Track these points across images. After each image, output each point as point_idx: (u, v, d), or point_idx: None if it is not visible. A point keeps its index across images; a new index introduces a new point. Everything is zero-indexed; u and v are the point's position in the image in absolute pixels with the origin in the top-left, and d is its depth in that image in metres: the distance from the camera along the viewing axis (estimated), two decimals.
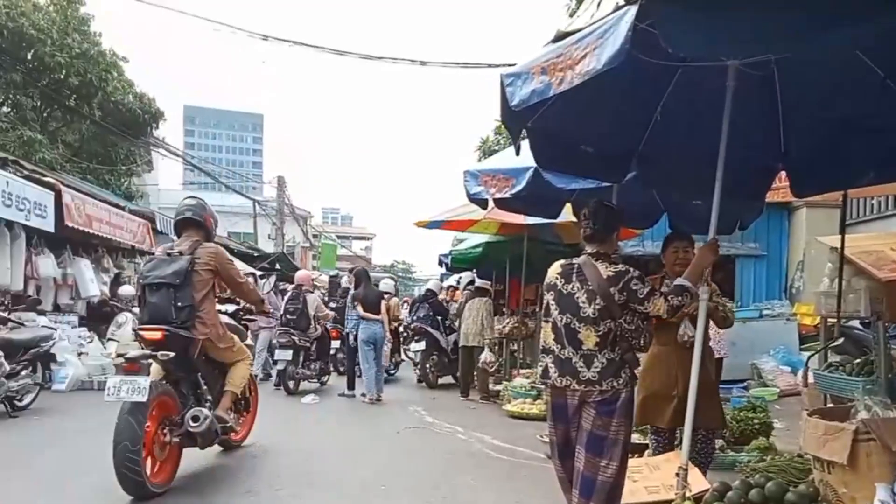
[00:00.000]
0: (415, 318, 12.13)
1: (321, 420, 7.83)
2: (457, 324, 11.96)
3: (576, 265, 3.58)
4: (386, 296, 14.07)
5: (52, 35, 14.76)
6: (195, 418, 4.65)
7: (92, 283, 11.97)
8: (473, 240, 12.49)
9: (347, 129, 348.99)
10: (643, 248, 10.85)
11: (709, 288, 3.85)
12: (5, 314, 8.42)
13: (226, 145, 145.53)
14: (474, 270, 15.90)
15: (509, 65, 3.32)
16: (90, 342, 10.61)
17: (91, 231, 11.58)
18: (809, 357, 6.95)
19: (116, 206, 13.38)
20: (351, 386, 9.88)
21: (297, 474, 5.19)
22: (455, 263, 13.63)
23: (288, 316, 10.19)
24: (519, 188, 5.07)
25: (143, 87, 18.73)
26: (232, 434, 5.43)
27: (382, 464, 5.62)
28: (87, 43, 15.67)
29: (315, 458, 5.81)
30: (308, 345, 10.40)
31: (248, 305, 6.37)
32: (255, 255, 22.34)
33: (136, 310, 11.90)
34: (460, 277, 13.56)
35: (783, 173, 4.87)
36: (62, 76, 15.17)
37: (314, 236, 46.11)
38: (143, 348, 4.77)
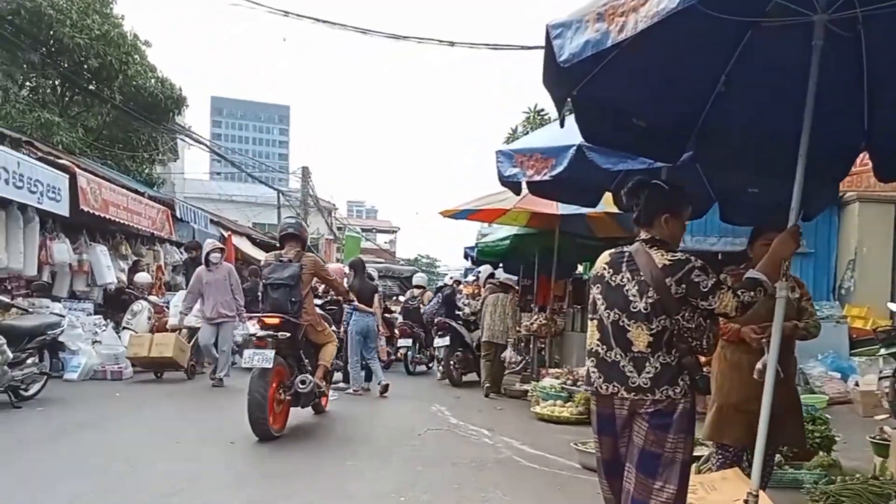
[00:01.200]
0: (432, 310, 11.75)
1: (336, 419, 7.37)
2: (479, 319, 11.58)
3: (626, 253, 3.07)
4: (417, 291, 13.76)
5: (71, 16, 14.45)
6: (303, 381, 6.21)
7: (108, 269, 11.67)
8: (501, 232, 11.96)
9: (373, 119, 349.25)
10: (682, 244, 10.21)
11: (787, 283, 3.28)
12: (8, 300, 8.07)
13: (252, 136, 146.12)
14: (501, 265, 15.42)
15: (543, 47, 2.82)
16: (104, 330, 10.27)
17: (108, 216, 11.26)
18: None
19: (135, 191, 13.08)
20: (346, 379, 9.69)
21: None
22: (481, 257, 13.09)
23: (328, 308, 10.02)
24: (559, 169, 4.54)
25: (167, 73, 18.46)
26: (322, 399, 7.05)
27: (401, 472, 5.13)
28: (108, 24, 15.35)
29: (322, 462, 5.37)
30: (341, 338, 10.24)
31: (334, 297, 8.42)
32: (278, 245, 22.03)
33: (154, 298, 11.74)
34: (479, 271, 13.09)
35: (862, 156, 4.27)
36: (82, 58, 14.89)
37: (338, 229, 45.84)
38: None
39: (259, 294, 8.95)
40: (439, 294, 11.97)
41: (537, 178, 4.74)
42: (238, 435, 6.02)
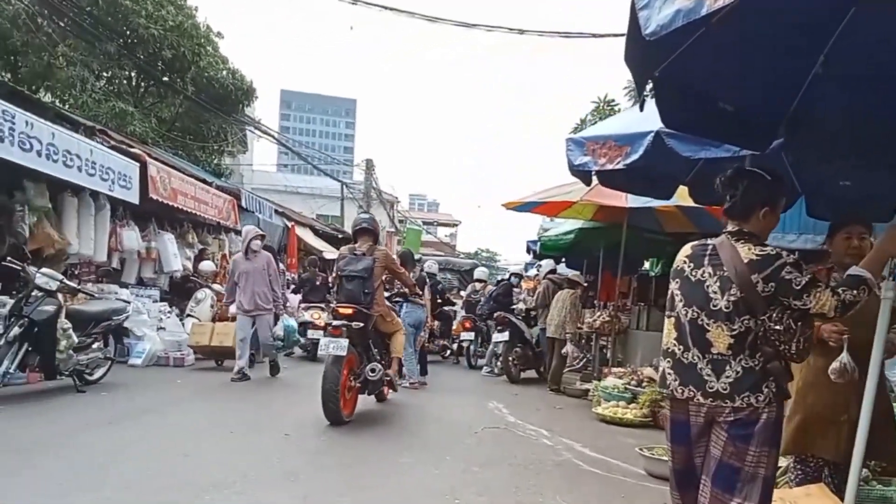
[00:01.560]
0: (486, 306, 11.58)
1: (395, 410, 7.24)
2: (539, 314, 11.35)
3: (710, 246, 2.81)
4: (479, 284, 13.60)
5: (146, 6, 14.80)
6: (372, 370, 6.48)
7: (175, 257, 11.89)
8: (565, 226, 11.61)
9: (437, 112, 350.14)
10: None
11: (894, 283, 2.93)
12: (75, 285, 8.27)
13: (320, 129, 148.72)
14: (563, 259, 15.05)
15: (617, 35, 2.55)
16: (168, 317, 10.47)
17: (176, 205, 11.46)
18: None
19: (203, 181, 13.31)
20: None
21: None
22: (544, 251, 12.76)
23: (395, 299, 10.06)
24: (635, 157, 4.23)
25: (238, 65, 18.78)
26: (385, 388, 7.17)
27: (457, 471, 4.94)
28: (182, 16, 15.66)
29: (377, 457, 5.23)
30: None
31: (402, 289, 8.27)
32: (340, 236, 22.19)
33: (217, 286, 11.90)
34: (540, 265, 12.80)
35: None
36: (156, 49, 15.24)
37: (400, 221, 46.07)
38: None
39: (330, 285, 10.66)
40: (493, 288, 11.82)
41: (610, 166, 4.44)
42: (293, 426, 5.96)
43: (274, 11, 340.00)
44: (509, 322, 10.52)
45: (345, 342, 6.06)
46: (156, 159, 11.52)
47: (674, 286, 2.86)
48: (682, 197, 8.12)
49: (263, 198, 18.80)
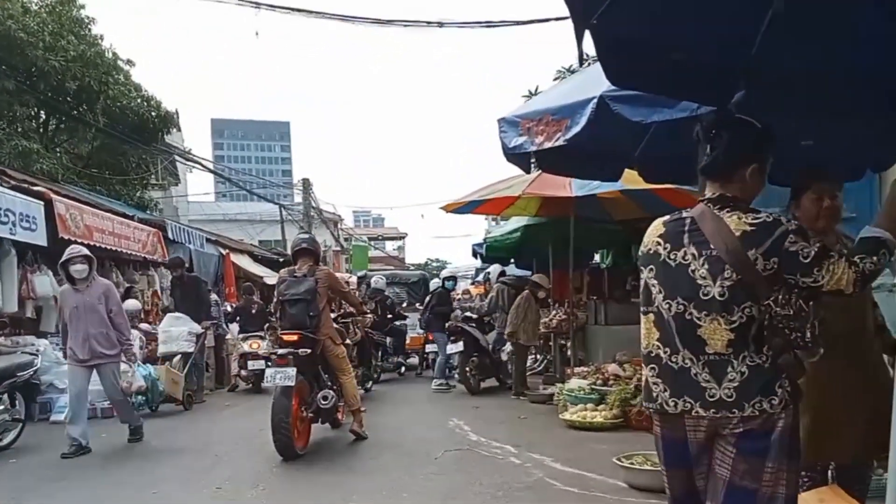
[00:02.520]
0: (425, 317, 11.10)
1: (347, 437, 6.58)
2: (494, 319, 10.89)
3: (688, 220, 2.30)
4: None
5: (43, 38, 13.77)
6: (325, 398, 6.15)
7: None
8: (509, 225, 11.15)
9: (370, 125, 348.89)
10: None
11: None
12: None
13: (255, 155, 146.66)
14: (512, 260, 14.62)
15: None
16: None
17: (92, 243, 10.53)
18: None
19: (123, 215, 12.41)
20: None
21: None
22: (490, 253, 12.27)
23: (341, 320, 9.37)
24: (576, 129, 3.69)
25: (156, 93, 17.77)
26: (340, 415, 6.72)
27: None
28: (84, 45, 14.68)
29: (323, 499, 4.59)
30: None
31: (348, 310, 8.01)
32: (281, 260, 21.30)
33: (145, 326, 11.04)
34: (490, 270, 12.39)
35: None
36: (59, 82, 14.22)
37: (345, 240, 45.24)
38: None
39: (269, 311, 9.86)
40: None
41: (549, 144, 3.91)
42: (228, 475, 5.26)
43: (188, 38, 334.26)
44: (463, 331, 9.97)
45: (292, 371, 5.78)
46: (64, 196, 10.60)
47: (647, 275, 2.33)
48: (629, 180, 7.77)
49: (196, 228, 17.89)
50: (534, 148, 4.06)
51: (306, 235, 7.13)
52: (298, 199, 34.58)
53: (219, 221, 35.29)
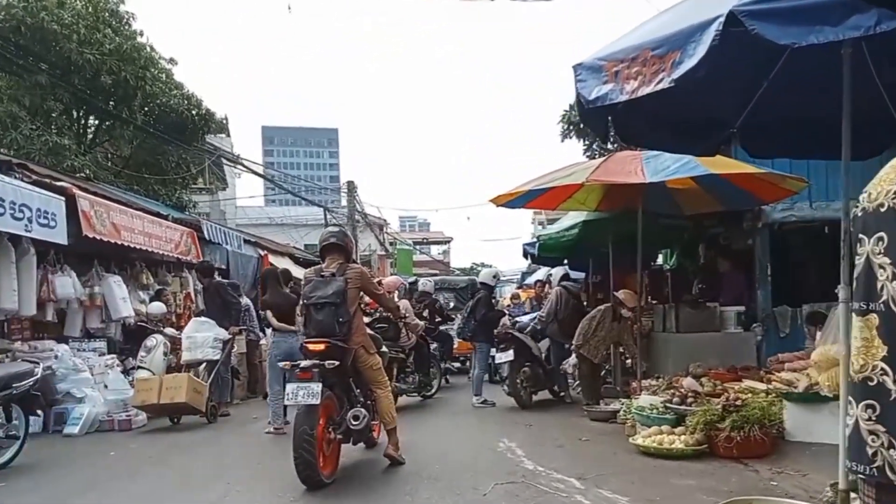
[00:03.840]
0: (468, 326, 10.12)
1: (376, 469, 5.66)
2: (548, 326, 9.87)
3: None
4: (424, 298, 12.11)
5: (78, 30, 13.34)
6: (356, 417, 5.32)
7: (124, 302, 10.30)
8: (566, 220, 10.08)
9: (424, 125, 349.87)
10: (798, 212, 8.14)
11: None
12: None
13: (304, 162, 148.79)
14: (565, 261, 13.51)
15: None
16: (110, 372, 8.90)
17: (121, 242, 9.92)
18: None
19: (157, 214, 11.83)
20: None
21: None
22: (544, 252, 11.22)
23: (378, 325, 8.79)
24: (690, 64, 2.58)
25: (199, 93, 17.28)
26: (374, 431, 5.99)
27: None
28: (121, 38, 14.20)
29: None
30: (402, 356, 9.05)
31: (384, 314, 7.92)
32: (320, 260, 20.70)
33: (171, 330, 10.38)
34: (551, 274, 11.30)
35: None
36: (93, 76, 13.76)
37: (391, 244, 44.74)
38: None
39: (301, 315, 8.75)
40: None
41: (646, 90, 2.86)
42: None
43: (242, 46, 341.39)
44: (513, 338, 8.96)
45: (317, 387, 4.93)
46: (89, 192, 10.01)
47: (871, 247, 1.34)
48: (711, 164, 6.68)
49: (235, 229, 17.33)
50: (624, 97, 3.05)
51: (335, 228, 6.40)
52: (344, 202, 34.16)
53: (265, 225, 35.22)
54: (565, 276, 9.88)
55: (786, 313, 8.23)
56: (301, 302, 5.70)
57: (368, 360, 5.60)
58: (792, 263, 9.11)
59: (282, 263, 17.96)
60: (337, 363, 5.15)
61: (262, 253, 16.17)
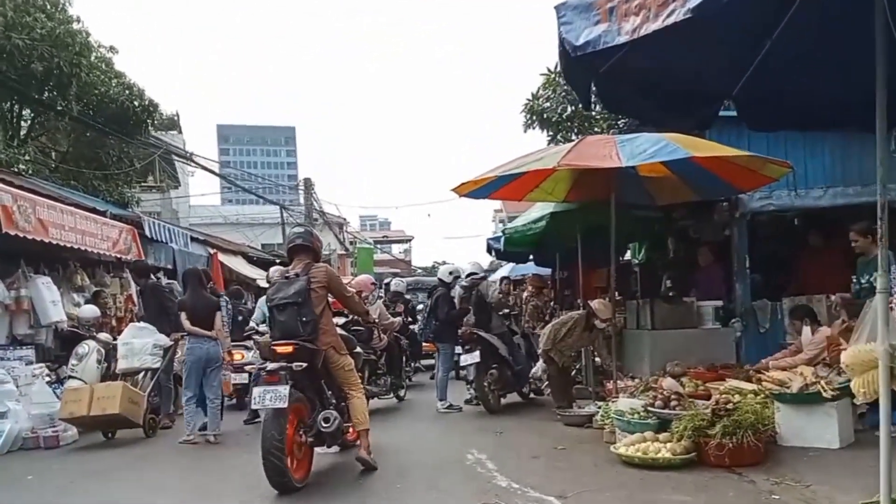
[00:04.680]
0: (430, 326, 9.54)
1: (340, 480, 5.02)
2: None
3: None
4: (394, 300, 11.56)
5: (5, 13, 12.32)
6: (326, 419, 5.17)
7: (54, 305, 9.39)
8: (533, 212, 9.53)
9: (376, 129, 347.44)
10: (776, 202, 7.73)
11: None
12: None
13: (261, 161, 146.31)
14: (531, 257, 13.02)
15: None
16: (35, 383, 8.03)
17: (48, 240, 9.04)
18: None
19: (93, 210, 10.93)
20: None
21: None
22: (510, 247, 10.63)
23: (353, 327, 8.59)
24: None
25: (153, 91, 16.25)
26: (351, 434, 5.71)
27: None
28: (53, 22, 13.19)
29: None
30: (374, 357, 8.83)
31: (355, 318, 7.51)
32: (278, 261, 19.80)
33: (104, 336, 9.53)
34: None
35: None
36: (23, 63, 12.74)
37: (351, 243, 43.93)
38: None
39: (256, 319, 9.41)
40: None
41: (654, 26, 2.30)
42: None
43: (196, 43, 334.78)
44: (479, 338, 8.38)
45: (285, 390, 4.80)
46: (14, 186, 9.10)
47: None
48: (691, 146, 6.20)
49: (189, 228, 16.44)
50: (623, 38, 2.49)
51: (301, 229, 6.25)
52: (302, 200, 33.24)
53: (220, 225, 34.16)
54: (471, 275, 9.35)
55: (766, 307, 7.82)
56: (267, 304, 5.56)
57: (340, 361, 5.46)
58: (766, 255, 8.74)
59: (234, 263, 17.16)
60: (304, 365, 5.02)
61: (212, 251, 15.32)
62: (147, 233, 12.17)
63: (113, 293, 11.37)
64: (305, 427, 5.18)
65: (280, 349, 5.08)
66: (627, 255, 13.05)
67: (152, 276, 9.97)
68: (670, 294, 9.49)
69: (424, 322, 9.99)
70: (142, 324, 8.62)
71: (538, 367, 8.38)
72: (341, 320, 7.59)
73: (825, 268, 8.70)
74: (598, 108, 8.45)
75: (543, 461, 5.62)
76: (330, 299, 5.53)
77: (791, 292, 8.01)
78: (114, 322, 11.01)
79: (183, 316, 7.49)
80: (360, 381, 5.83)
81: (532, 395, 9.04)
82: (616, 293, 13.16)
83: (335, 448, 5.81)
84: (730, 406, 5.14)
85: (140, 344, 8.13)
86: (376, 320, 8.39)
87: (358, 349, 6.98)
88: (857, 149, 7.70)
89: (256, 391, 4.88)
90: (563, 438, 6.51)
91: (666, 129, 5.40)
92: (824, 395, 5.11)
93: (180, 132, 36.53)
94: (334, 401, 5.50)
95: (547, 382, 9.02)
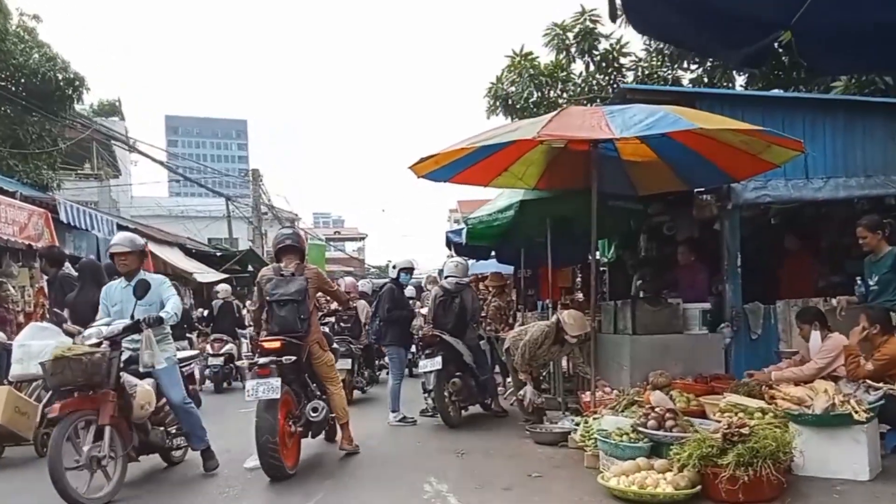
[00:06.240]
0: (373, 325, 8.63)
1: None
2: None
3: None
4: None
5: None
6: (315, 409, 5.63)
7: None
8: (501, 201, 8.54)
9: (335, 121, 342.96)
10: (772, 192, 6.92)
11: None
12: None
13: (211, 153, 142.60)
14: (493, 254, 12.04)
15: None
16: None
17: None
18: None
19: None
20: None
21: None
22: (472, 241, 9.62)
23: (343, 324, 9.73)
24: None
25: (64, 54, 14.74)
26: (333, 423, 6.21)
27: None
28: None
29: None
30: (361, 352, 9.95)
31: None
32: (219, 254, 18.46)
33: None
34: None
35: None
36: None
37: None
38: None
39: (199, 314, 10.71)
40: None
41: None
42: None
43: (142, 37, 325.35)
44: (441, 342, 7.35)
45: (277, 382, 5.20)
46: None
47: None
48: (693, 117, 5.31)
49: (130, 219, 14.99)
50: None
51: (290, 231, 6.51)
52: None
53: (163, 217, 32.43)
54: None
55: (758, 311, 7.00)
56: (254, 299, 6.13)
57: (323, 357, 5.92)
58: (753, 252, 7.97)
59: (170, 255, 15.80)
60: (293, 359, 5.40)
61: (143, 242, 13.91)
62: (63, 218, 10.80)
63: (21, 284, 10.02)
64: (294, 417, 5.52)
65: (268, 345, 5.38)
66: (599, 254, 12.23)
67: (66, 267, 8.68)
68: (641, 295, 8.68)
69: (369, 321, 9.05)
70: (44, 323, 7.37)
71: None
72: (330, 319, 8.84)
73: (801, 271, 8.05)
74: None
75: (517, 493, 4.63)
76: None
77: (767, 297, 7.27)
78: (21, 318, 9.68)
79: (66, 313, 6.71)
80: (339, 376, 6.25)
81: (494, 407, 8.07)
82: (582, 294, 12.45)
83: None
84: (745, 430, 4.23)
85: (39, 346, 6.80)
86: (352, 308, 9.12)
87: (335, 345, 7.95)
88: (860, 136, 6.98)
89: (249, 384, 5.25)
90: (536, 461, 5.54)
91: (711, 58, 4.45)
92: (856, 417, 4.25)
93: (122, 119, 34.60)
94: (318, 393, 5.84)
95: (511, 390, 8.12)
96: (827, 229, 8.73)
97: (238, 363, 11.58)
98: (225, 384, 11.36)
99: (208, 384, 10.95)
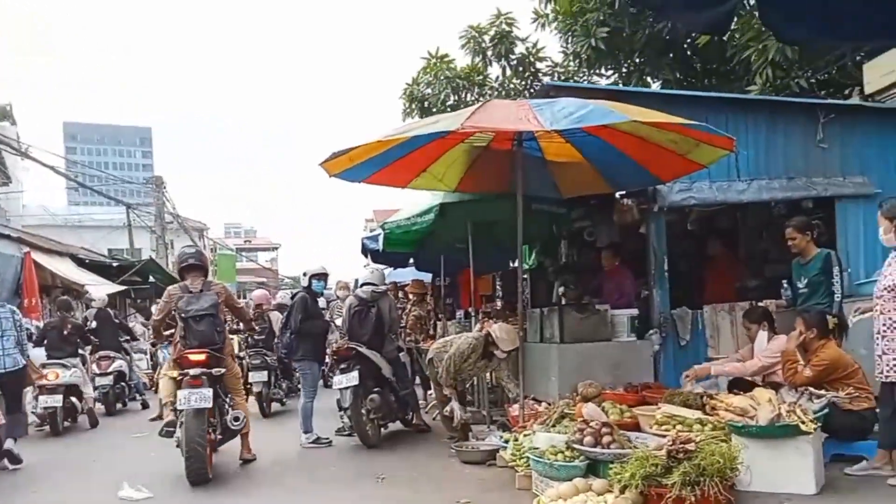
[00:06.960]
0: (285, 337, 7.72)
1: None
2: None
3: None
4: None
5: None
6: (236, 419, 5.90)
7: None
8: (421, 204, 8.05)
9: (246, 129, 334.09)
10: (697, 195, 6.76)
11: None
12: None
13: (113, 161, 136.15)
14: (411, 260, 11.54)
15: None
16: None
17: None
18: None
19: None
20: None
21: None
22: (390, 247, 9.08)
23: (257, 337, 9.48)
24: None
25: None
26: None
27: None
28: None
29: None
30: (277, 364, 9.80)
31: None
32: (115, 265, 17.14)
33: None
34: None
35: None
36: None
37: (212, 250, 40.71)
38: None
39: (89, 327, 10.17)
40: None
41: None
42: None
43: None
44: (357, 355, 6.77)
45: (209, 392, 5.45)
46: None
47: None
48: (625, 110, 5.01)
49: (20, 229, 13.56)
50: None
51: (192, 249, 6.44)
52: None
53: (60, 227, 30.27)
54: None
55: (686, 317, 6.82)
56: (162, 315, 6.13)
57: (234, 369, 6.23)
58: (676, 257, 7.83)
59: (59, 265, 14.47)
60: (223, 371, 5.73)
61: (26, 251, 12.64)
62: None
63: None
64: (212, 426, 5.68)
65: (194, 357, 5.59)
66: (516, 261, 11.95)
67: None
68: (565, 302, 8.41)
69: (280, 333, 8.28)
70: None
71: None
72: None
73: (724, 275, 8.00)
74: None
75: None
76: None
77: (691, 303, 7.14)
78: None
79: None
80: (242, 387, 6.51)
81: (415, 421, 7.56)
82: (500, 302, 12.15)
83: None
84: (690, 446, 3.90)
85: None
86: (257, 329, 8.95)
87: (248, 358, 9.00)
88: (782, 139, 6.95)
89: (181, 394, 5.40)
90: (464, 483, 5.07)
91: (671, 20, 4.14)
92: (804, 427, 4.00)
93: (13, 123, 32.18)
94: (231, 404, 5.99)
95: (434, 404, 7.66)
96: (744, 234, 8.75)
97: (130, 382, 10.56)
98: (119, 405, 10.29)
99: (99, 406, 9.89)
